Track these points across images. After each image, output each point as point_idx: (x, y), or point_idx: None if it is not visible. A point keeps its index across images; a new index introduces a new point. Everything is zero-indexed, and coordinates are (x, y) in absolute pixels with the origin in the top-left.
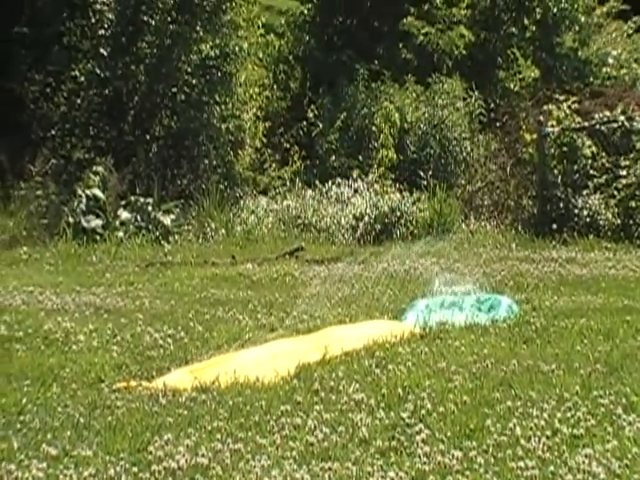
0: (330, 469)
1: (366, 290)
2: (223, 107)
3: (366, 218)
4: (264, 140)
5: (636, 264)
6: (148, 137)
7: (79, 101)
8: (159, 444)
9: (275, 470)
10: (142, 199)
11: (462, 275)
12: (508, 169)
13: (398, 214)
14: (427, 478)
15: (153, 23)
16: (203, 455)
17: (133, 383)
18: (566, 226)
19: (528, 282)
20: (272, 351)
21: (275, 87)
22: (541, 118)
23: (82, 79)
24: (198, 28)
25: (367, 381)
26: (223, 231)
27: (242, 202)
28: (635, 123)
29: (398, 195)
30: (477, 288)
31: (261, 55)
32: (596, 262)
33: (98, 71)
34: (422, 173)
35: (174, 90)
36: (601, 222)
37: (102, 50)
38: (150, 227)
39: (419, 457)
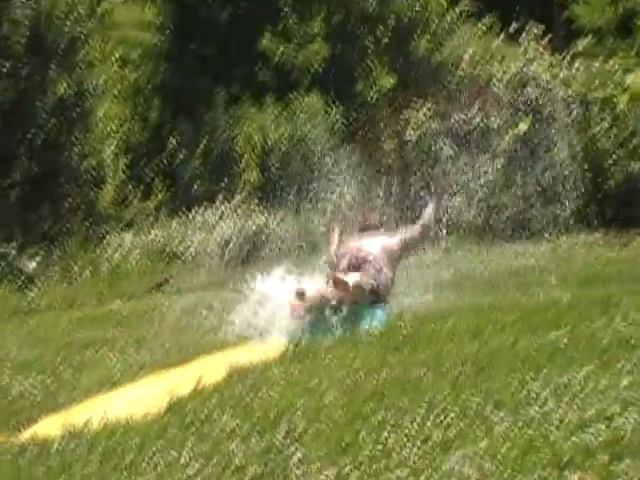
0: None
1: (237, 314)
2: (82, 146)
3: (233, 242)
4: (127, 174)
5: (499, 261)
6: (8, 183)
7: None
8: None
9: None
10: (4, 246)
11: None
12: (372, 179)
13: (265, 235)
14: None
15: (5, 68)
16: None
17: (1, 437)
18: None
19: (397, 287)
20: (143, 388)
21: (135, 120)
22: (400, 125)
23: None
24: (52, 69)
25: (240, 407)
26: (89, 271)
27: (107, 239)
28: (491, 121)
29: (264, 216)
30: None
31: (118, 89)
32: (461, 262)
33: None
34: (286, 191)
35: (32, 133)
36: (464, 222)
37: None
38: (14, 274)
39: (295, 479)
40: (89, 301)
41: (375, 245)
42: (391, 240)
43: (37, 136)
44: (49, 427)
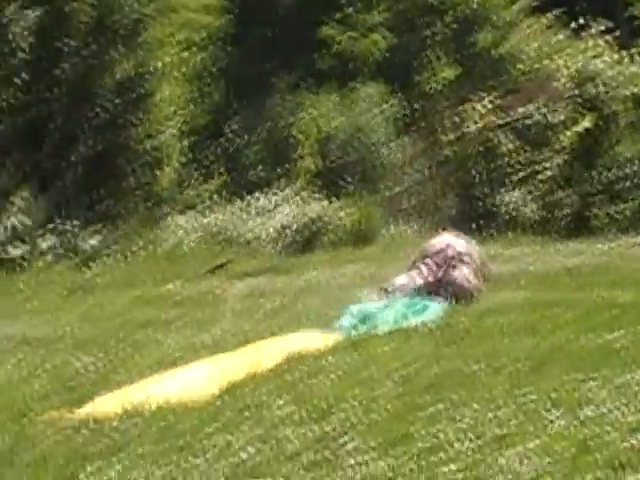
0: None
1: (293, 302)
2: (143, 127)
3: (290, 229)
4: (187, 156)
5: (556, 258)
6: (69, 161)
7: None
8: (89, 471)
9: None
10: (65, 224)
11: (389, 280)
12: (430, 170)
13: (322, 223)
14: None
15: (71, 47)
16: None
17: (58, 413)
18: (488, 223)
19: None
20: (199, 371)
21: (197, 102)
22: (460, 117)
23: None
24: (116, 49)
25: (294, 395)
26: (147, 251)
27: (166, 220)
28: (553, 116)
29: (322, 203)
30: (404, 292)
31: (181, 71)
32: (518, 258)
33: (17, 97)
34: (345, 180)
35: (93, 113)
36: (522, 217)
37: (20, 76)
38: (74, 251)
39: (348, 468)
40: (147, 281)
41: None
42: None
43: (99, 116)
44: (106, 405)
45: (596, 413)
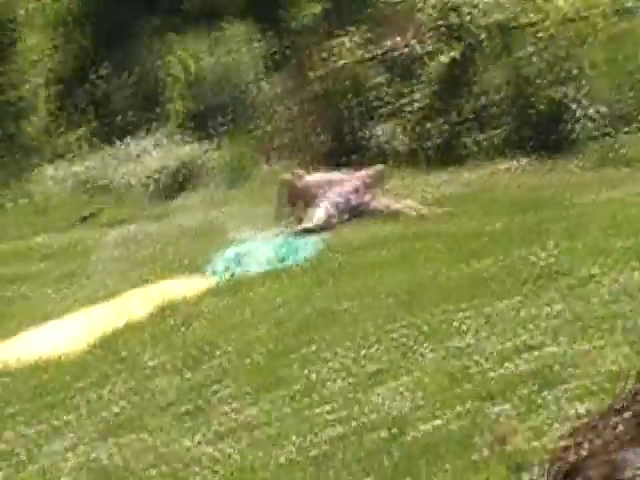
0: (136, 439)
1: (165, 248)
2: (6, 77)
3: (161, 173)
4: (55, 104)
5: (426, 189)
6: None
7: None
8: None
9: (80, 447)
10: None
11: (262, 220)
12: (300, 107)
13: (194, 165)
14: (233, 434)
15: None
16: (6, 441)
17: None
18: (359, 157)
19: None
20: (71, 325)
21: (62, 49)
22: (328, 53)
23: None
24: None
25: (167, 344)
26: (16, 203)
27: (34, 171)
28: (419, 48)
29: (193, 146)
30: (279, 232)
31: (44, 18)
32: (388, 191)
33: None
34: (216, 121)
35: None
36: (391, 150)
37: None
38: None
39: (222, 415)
40: (15, 234)
41: None
42: None
43: None
44: None
45: (465, 344)
